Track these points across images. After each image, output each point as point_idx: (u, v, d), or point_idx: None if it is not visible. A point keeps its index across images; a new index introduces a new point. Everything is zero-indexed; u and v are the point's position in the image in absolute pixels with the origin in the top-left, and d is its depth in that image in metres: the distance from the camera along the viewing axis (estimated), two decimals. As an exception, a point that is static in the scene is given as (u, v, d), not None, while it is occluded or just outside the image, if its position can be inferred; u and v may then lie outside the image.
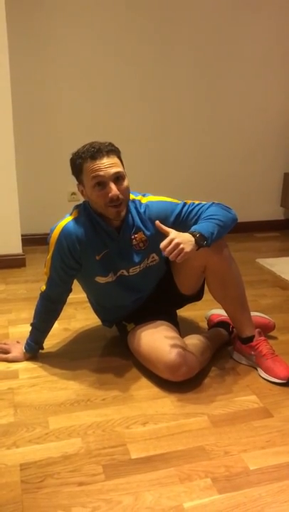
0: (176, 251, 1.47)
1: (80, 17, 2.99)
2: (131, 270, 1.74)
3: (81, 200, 1.73)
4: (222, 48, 3.31)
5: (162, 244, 1.49)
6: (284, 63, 3.46)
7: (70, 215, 1.70)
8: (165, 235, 1.52)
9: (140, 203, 1.73)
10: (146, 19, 3.11)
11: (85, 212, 1.68)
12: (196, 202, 1.70)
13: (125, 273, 1.74)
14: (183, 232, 1.53)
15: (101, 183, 1.57)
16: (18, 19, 2.86)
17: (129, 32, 3.10)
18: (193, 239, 1.51)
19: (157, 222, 1.55)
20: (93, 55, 3.08)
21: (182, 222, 1.67)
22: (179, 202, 1.72)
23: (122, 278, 1.74)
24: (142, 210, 1.71)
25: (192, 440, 1.43)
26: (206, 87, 3.36)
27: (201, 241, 1.52)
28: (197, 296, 1.93)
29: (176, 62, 3.26)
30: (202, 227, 1.57)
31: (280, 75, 3.48)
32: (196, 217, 1.66)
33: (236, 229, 1.80)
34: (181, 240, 1.49)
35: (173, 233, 1.51)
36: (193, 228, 1.56)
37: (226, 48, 3.31)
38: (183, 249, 1.48)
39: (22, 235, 2.95)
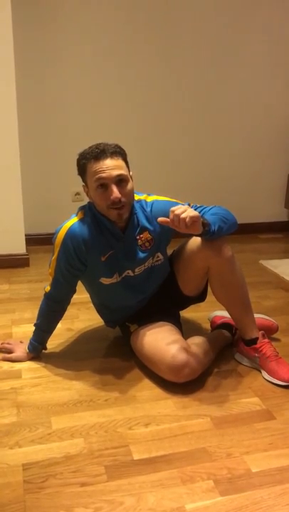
0: (183, 215, 1.43)
1: (84, 17, 2.99)
2: (136, 270, 1.74)
3: (85, 200, 1.74)
4: (226, 47, 3.30)
5: (167, 218, 1.46)
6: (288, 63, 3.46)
7: (76, 216, 1.70)
8: (168, 226, 1.50)
9: (146, 202, 1.74)
10: (150, 19, 3.11)
11: (90, 213, 1.68)
12: (198, 205, 1.71)
13: (131, 273, 1.74)
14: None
15: (103, 185, 1.57)
16: (23, 20, 2.86)
17: (132, 32, 3.10)
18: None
19: (160, 218, 1.51)
20: (96, 56, 3.08)
21: None
22: (184, 203, 1.72)
23: (126, 279, 1.74)
24: (148, 209, 1.72)
25: (194, 442, 1.43)
26: (210, 87, 3.36)
27: (204, 224, 1.52)
28: (200, 297, 1.93)
29: (180, 62, 3.25)
30: (208, 219, 1.58)
31: (284, 75, 3.47)
32: None
33: (240, 230, 1.81)
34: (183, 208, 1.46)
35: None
36: None
37: (230, 47, 3.31)
38: (188, 213, 1.44)
39: (26, 235, 2.95)
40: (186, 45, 3.23)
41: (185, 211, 1.46)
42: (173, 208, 1.47)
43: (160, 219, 1.50)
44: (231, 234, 1.71)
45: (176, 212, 1.46)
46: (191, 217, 1.45)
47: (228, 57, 3.33)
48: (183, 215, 1.45)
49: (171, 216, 1.47)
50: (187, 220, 1.44)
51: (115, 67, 3.14)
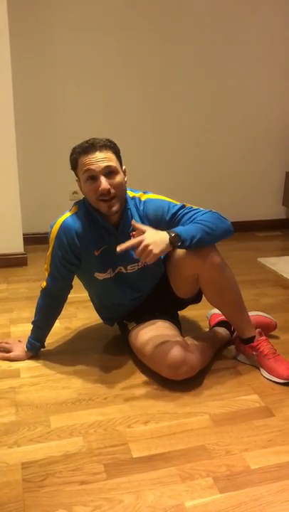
0: (145, 253, 1.48)
1: (81, 17, 2.99)
2: (129, 268, 1.74)
3: (82, 197, 1.73)
4: (223, 46, 3.30)
5: (133, 242, 1.50)
6: (286, 62, 3.46)
7: (70, 210, 1.70)
8: (160, 226, 1.52)
9: (139, 201, 1.73)
10: (147, 18, 3.10)
11: (84, 208, 1.68)
12: (195, 207, 1.69)
13: (123, 270, 1.74)
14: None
15: (92, 177, 1.58)
16: (20, 20, 2.85)
17: (130, 31, 3.09)
18: (167, 237, 1.51)
19: (133, 221, 1.55)
20: (94, 55, 3.08)
21: (176, 223, 1.67)
22: (178, 203, 1.71)
23: (120, 275, 1.74)
24: (140, 208, 1.71)
25: (193, 439, 1.43)
26: (208, 85, 3.36)
27: (175, 242, 1.53)
28: (196, 299, 1.92)
29: (177, 61, 3.25)
30: (185, 229, 1.58)
31: (282, 73, 3.47)
32: (188, 221, 1.64)
33: (238, 228, 1.80)
34: (151, 241, 1.48)
35: (146, 233, 1.51)
36: (175, 228, 1.57)
37: (228, 46, 3.31)
38: (151, 251, 1.47)
39: (24, 234, 2.95)
40: (184, 45, 3.22)
41: (149, 247, 1.47)
42: (143, 238, 1.49)
43: (133, 222, 1.55)
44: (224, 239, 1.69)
45: (145, 243, 1.48)
46: (151, 258, 1.48)
47: (227, 56, 3.32)
48: (145, 254, 1.48)
49: (136, 241, 1.50)
50: (148, 260, 1.48)
51: (114, 65, 3.14)
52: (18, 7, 2.82)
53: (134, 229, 1.68)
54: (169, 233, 1.53)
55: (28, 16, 2.90)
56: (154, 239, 1.50)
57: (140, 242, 1.48)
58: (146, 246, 1.48)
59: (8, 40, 2.57)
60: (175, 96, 3.32)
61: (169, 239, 1.52)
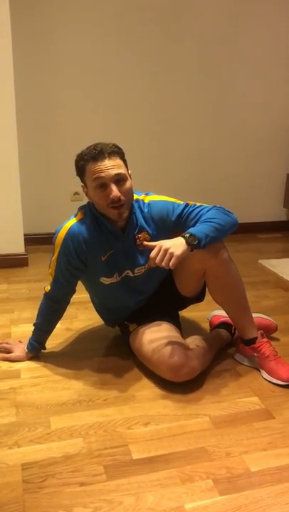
0: (166, 257, 1.48)
1: (82, 18, 2.99)
2: (136, 271, 1.74)
3: (84, 200, 1.74)
4: (225, 48, 3.30)
5: (152, 254, 1.50)
6: (287, 63, 3.46)
7: (75, 216, 1.70)
8: (165, 227, 1.54)
9: (143, 203, 1.73)
10: (149, 19, 3.11)
11: (90, 213, 1.68)
12: (198, 204, 1.71)
13: (130, 274, 1.74)
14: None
15: (102, 185, 1.57)
16: (21, 20, 2.86)
17: (131, 32, 3.10)
18: (183, 240, 1.52)
19: (144, 242, 1.57)
20: (95, 56, 3.08)
21: (182, 222, 1.69)
22: (181, 202, 1.72)
23: (126, 279, 1.74)
24: (145, 210, 1.72)
25: (193, 441, 1.43)
26: (209, 87, 3.36)
27: (192, 241, 1.53)
28: (199, 297, 1.92)
29: (179, 63, 3.25)
30: (197, 229, 1.58)
31: (283, 75, 3.47)
32: (195, 219, 1.66)
33: (239, 230, 1.80)
34: (169, 245, 1.49)
35: (162, 241, 1.52)
36: (187, 231, 1.57)
37: (229, 47, 3.31)
38: (173, 253, 1.48)
39: (24, 235, 2.95)
40: (186, 46, 3.22)
41: (170, 249, 1.48)
42: (161, 244, 1.50)
43: (145, 244, 1.57)
44: (230, 234, 1.70)
45: (164, 247, 1.49)
46: (174, 261, 1.48)
47: (228, 57, 3.32)
48: (167, 257, 1.48)
49: (155, 251, 1.51)
50: (171, 264, 1.47)
51: (115, 66, 3.14)
52: (19, 7, 2.82)
53: (140, 231, 1.70)
54: (183, 236, 1.54)
55: (30, 16, 2.90)
56: (172, 243, 1.51)
57: (159, 248, 1.49)
58: (166, 250, 1.48)
59: (10, 39, 2.57)
60: (176, 97, 3.31)
61: (185, 240, 1.52)
